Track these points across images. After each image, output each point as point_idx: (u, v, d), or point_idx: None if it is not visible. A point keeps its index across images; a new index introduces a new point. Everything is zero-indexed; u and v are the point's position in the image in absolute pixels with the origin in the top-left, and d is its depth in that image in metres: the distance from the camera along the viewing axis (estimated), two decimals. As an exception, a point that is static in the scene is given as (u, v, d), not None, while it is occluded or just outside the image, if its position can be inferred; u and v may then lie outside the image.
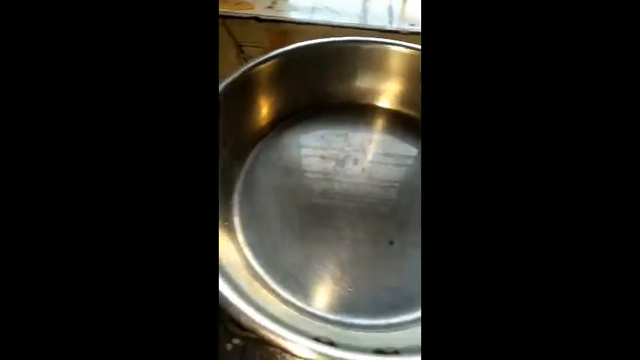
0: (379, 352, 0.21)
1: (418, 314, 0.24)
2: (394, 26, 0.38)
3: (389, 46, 0.33)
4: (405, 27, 0.38)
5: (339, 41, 0.33)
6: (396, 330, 0.24)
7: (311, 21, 0.39)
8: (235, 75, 0.29)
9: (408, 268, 0.26)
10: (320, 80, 0.34)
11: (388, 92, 0.35)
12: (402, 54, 0.33)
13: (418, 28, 0.38)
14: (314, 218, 0.29)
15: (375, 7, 0.41)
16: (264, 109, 0.33)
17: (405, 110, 0.35)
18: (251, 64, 0.30)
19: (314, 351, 0.19)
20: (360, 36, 0.34)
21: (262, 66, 0.31)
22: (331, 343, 0.20)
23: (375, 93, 0.35)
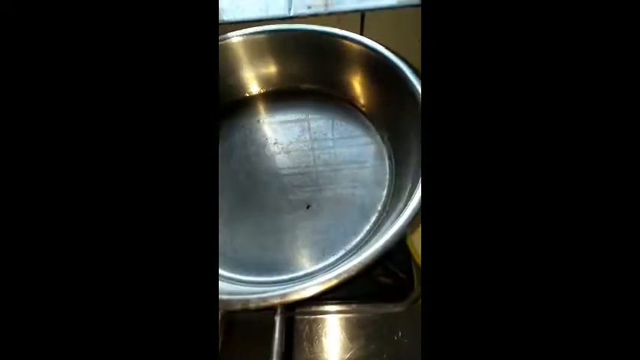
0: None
1: (328, 262, 0.27)
2: (294, 12, 0.39)
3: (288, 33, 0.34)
4: (304, 11, 0.39)
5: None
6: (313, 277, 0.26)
7: (220, 22, 0.40)
8: None
9: (322, 225, 0.29)
10: (238, 71, 0.35)
11: (267, 75, 0.36)
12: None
13: (315, 10, 0.39)
14: (240, 198, 0.31)
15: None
16: None
17: (291, 86, 0.37)
18: None
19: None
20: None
21: None
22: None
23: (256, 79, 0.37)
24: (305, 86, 0.36)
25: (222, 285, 0.25)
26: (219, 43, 0.34)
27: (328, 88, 0.36)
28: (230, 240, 0.28)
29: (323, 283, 0.19)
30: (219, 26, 0.39)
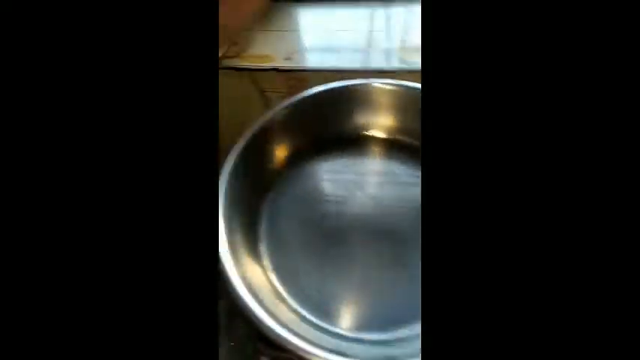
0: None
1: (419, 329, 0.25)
2: (391, 66, 0.41)
3: (384, 85, 0.35)
4: (402, 66, 0.41)
5: (348, 85, 0.35)
6: (403, 343, 0.24)
7: (321, 68, 0.42)
8: (263, 118, 0.32)
9: (411, 285, 0.27)
10: (330, 118, 0.36)
11: (387, 124, 0.37)
12: (396, 91, 0.35)
13: (412, 67, 0.41)
14: (329, 243, 0.30)
15: (377, 52, 0.44)
16: (286, 146, 0.35)
17: (404, 139, 0.37)
18: (276, 108, 0.33)
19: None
20: (363, 77, 0.36)
21: (285, 109, 0.34)
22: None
23: (376, 126, 0.37)
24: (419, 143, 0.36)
25: (324, 337, 0.24)
26: (363, 85, 0.36)
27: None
28: (321, 286, 0.28)
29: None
30: (323, 73, 0.42)
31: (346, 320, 0.26)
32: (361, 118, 0.37)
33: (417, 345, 0.23)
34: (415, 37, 0.45)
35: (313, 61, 0.43)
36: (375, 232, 0.30)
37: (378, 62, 0.42)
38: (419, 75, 0.39)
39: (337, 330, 0.25)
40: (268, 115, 0.33)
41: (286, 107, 0.33)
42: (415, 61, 0.42)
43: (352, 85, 0.35)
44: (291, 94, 0.45)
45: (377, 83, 0.35)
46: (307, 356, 0.20)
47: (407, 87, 0.35)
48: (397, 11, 0.49)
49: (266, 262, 0.29)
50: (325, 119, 0.36)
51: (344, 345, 0.24)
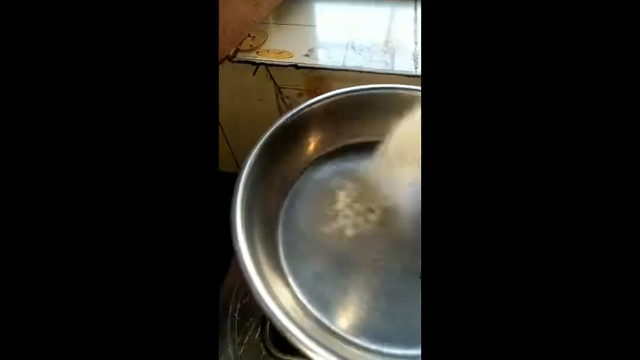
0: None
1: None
2: (419, 71, 0.40)
3: (413, 92, 0.33)
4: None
5: (375, 88, 0.34)
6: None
7: (343, 68, 0.41)
8: (286, 115, 0.30)
9: None
10: (356, 122, 0.35)
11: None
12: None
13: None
14: (349, 249, 0.28)
15: (401, 53, 0.43)
16: (309, 147, 0.33)
17: None
18: (300, 106, 0.31)
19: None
20: (388, 81, 0.35)
21: (310, 109, 0.31)
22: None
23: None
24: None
25: (347, 349, 0.23)
26: (391, 89, 0.34)
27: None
28: (341, 297, 0.26)
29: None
30: (344, 73, 0.40)
31: (367, 332, 0.25)
32: (388, 124, 0.36)
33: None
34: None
35: (332, 59, 0.42)
36: (396, 242, 0.29)
37: (401, 65, 0.41)
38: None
39: (357, 341, 0.24)
40: (291, 112, 0.31)
41: (311, 105, 0.32)
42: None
43: (378, 89, 0.34)
44: (309, 91, 0.44)
45: (405, 90, 0.34)
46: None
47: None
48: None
49: (284, 265, 0.27)
50: (351, 122, 0.34)
51: (365, 356, 0.23)
